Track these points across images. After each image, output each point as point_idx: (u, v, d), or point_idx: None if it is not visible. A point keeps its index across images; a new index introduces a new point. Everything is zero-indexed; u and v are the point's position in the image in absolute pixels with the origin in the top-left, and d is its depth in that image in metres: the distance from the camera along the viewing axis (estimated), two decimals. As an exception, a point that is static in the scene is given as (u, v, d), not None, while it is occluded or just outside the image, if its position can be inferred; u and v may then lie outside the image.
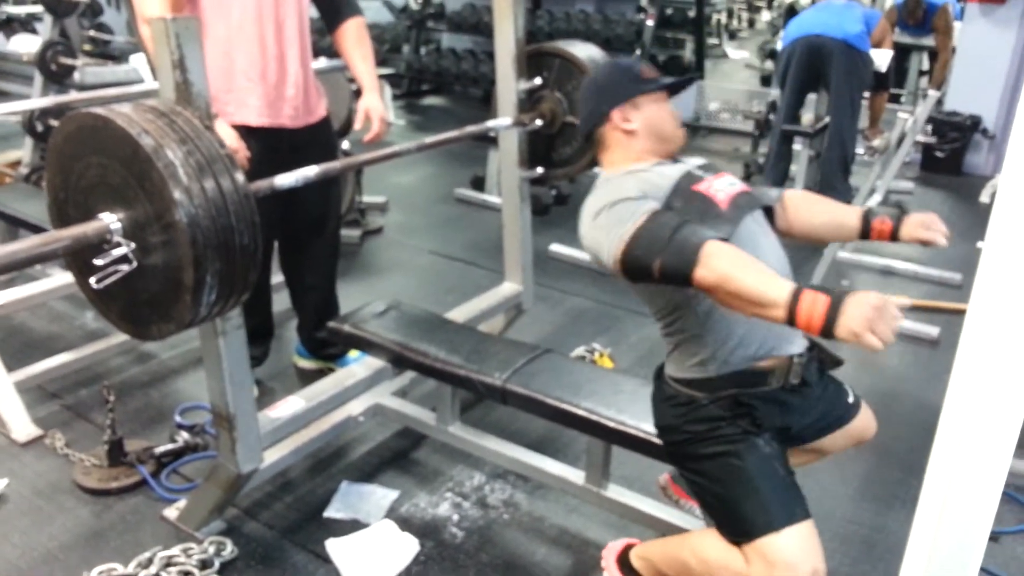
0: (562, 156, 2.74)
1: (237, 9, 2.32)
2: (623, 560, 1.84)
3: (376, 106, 2.51)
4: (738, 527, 1.56)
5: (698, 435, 1.62)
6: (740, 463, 1.57)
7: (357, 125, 2.53)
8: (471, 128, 2.42)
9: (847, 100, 4.87)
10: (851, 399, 1.81)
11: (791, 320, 1.32)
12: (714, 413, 1.60)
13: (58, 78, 4.16)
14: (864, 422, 1.84)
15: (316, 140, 2.54)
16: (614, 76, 1.76)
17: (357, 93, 2.59)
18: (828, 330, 1.28)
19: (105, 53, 5.75)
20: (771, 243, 1.68)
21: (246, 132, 2.32)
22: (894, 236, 1.75)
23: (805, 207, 1.82)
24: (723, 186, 1.66)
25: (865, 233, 1.78)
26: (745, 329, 1.58)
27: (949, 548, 0.90)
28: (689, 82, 1.87)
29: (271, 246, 2.75)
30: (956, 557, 0.90)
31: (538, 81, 2.61)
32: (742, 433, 1.58)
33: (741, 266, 1.38)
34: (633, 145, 1.71)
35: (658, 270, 1.45)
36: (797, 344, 1.64)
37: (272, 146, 2.39)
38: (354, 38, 2.58)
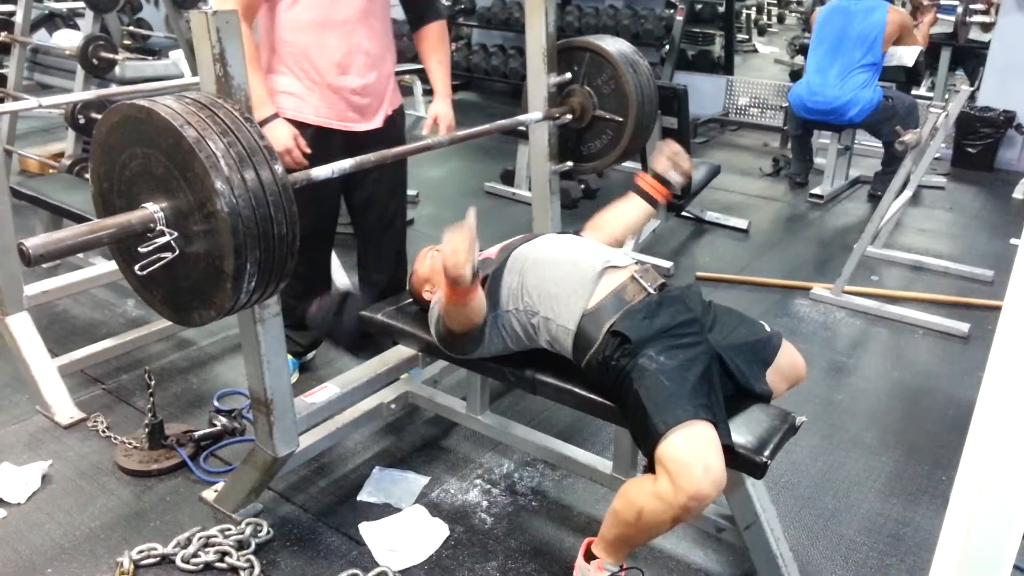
0: (591, 150, 2.76)
1: (305, 11, 2.34)
2: (588, 555, 1.88)
3: (445, 113, 2.55)
4: (643, 448, 1.73)
5: (607, 381, 1.84)
6: (631, 386, 1.76)
7: (425, 130, 2.56)
8: (502, 122, 2.45)
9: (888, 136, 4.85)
10: (768, 328, 2.00)
11: (453, 295, 1.80)
12: (604, 354, 1.83)
13: (99, 72, 4.23)
14: (790, 356, 2.00)
15: (383, 141, 2.43)
16: None
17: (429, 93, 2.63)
18: (447, 277, 1.73)
19: (144, 48, 5.84)
20: (560, 246, 2.06)
21: (302, 128, 2.37)
22: (658, 180, 2.25)
23: (598, 228, 2.28)
24: (499, 245, 2.16)
25: (650, 201, 2.27)
26: (558, 289, 1.92)
27: (982, 544, 0.86)
28: None
29: (331, 239, 2.78)
30: (989, 553, 0.89)
31: (568, 76, 2.63)
32: (628, 358, 1.78)
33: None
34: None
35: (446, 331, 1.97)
36: (616, 270, 1.94)
37: (332, 146, 2.42)
38: (433, 41, 2.61)
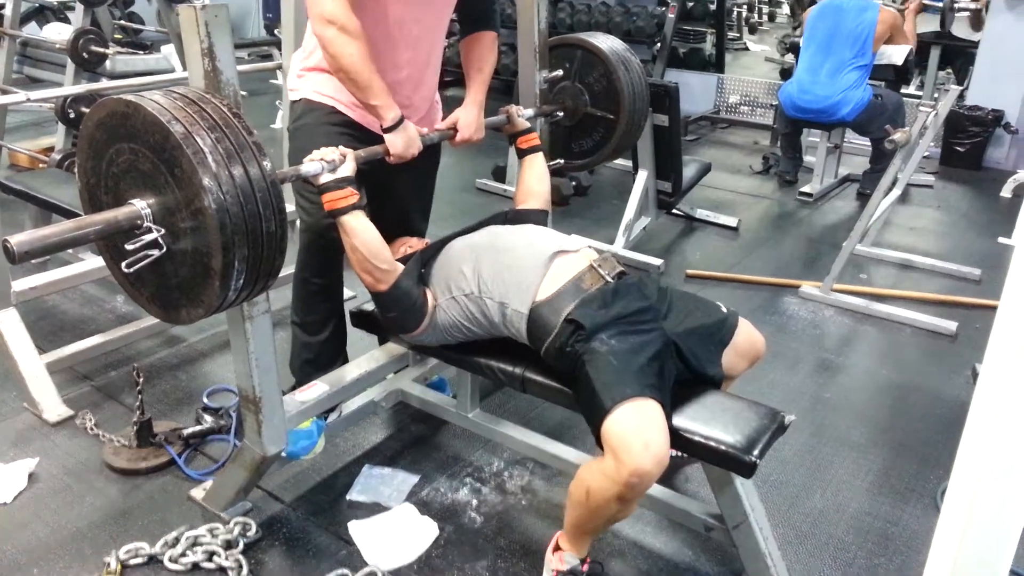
0: (582, 147, 2.77)
1: (383, 19, 2.17)
2: (557, 547, 1.93)
3: (468, 121, 2.34)
4: (591, 426, 1.75)
5: (564, 368, 1.88)
6: (583, 368, 1.80)
7: (443, 126, 2.36)
8: (493, 119, 2.45)
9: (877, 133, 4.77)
10: (724, 309, 2.04)
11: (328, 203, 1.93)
12: (560, 341, 1.86)
13: (90, 66, 4.20)
14: (748, 335, 2.04)
15: (418, 157, 2.25)
16: None
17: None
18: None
19: (135, 42, 5.82)
20: (514, 233, 2.15)
21: (355, 126, 2.24)
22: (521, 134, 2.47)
23: (526, 197, 2.45)
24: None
25: (533, 151, 2.46)
26: (511, 276, 1.97)
27: (977, 549, 0.86)
28: None
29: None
30: (985, 559, 0.87)
31: (560, 73, 2.63)
32: (582, 342, 1.82)
33: None
34: None
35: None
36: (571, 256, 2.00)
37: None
38: (482, 50, 2.43)
